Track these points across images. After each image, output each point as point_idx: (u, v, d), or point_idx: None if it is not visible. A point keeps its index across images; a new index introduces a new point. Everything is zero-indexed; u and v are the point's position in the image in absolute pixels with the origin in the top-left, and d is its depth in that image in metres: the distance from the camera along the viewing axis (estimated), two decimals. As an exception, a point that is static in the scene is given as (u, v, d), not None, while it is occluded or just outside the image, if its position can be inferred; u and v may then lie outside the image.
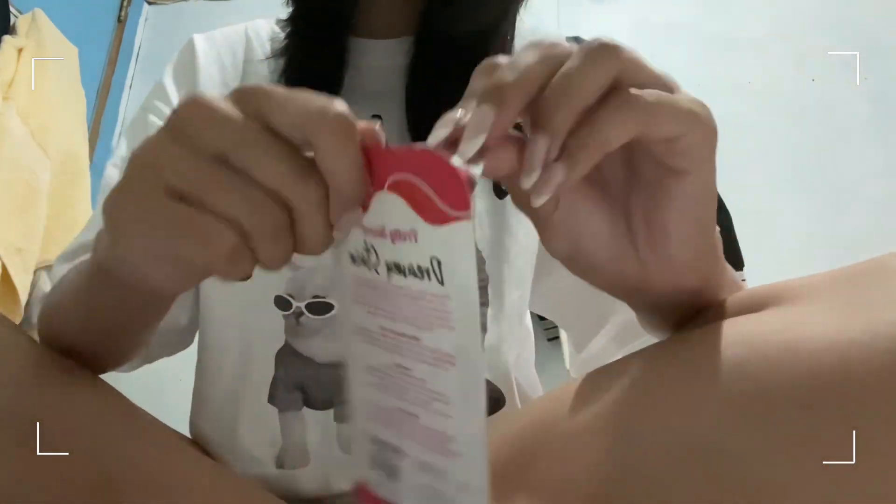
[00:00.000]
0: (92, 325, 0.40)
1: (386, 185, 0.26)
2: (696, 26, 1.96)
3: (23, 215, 1.45)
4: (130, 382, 0.57)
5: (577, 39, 2.16)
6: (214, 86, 0.62)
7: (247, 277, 0.27)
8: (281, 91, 0.26)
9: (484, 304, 0.56)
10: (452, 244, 0.24)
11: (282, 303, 0.55)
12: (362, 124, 0.26)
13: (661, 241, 0.31)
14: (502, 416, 0.56)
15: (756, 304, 0.33)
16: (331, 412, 0.55)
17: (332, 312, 0.54)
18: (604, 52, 0.26)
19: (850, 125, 1.80)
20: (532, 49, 0.27)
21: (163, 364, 0.66)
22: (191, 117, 0.26)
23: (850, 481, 0.26)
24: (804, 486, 0.26)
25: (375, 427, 0.30)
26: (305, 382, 0.56)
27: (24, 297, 1.42)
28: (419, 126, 0.57)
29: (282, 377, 0.56)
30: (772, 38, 1.91)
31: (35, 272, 1.49)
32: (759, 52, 1.90)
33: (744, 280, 1.67)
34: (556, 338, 1.71)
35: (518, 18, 0.60)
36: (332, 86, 0.58)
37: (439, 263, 0.24)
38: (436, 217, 0.24)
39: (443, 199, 0.24)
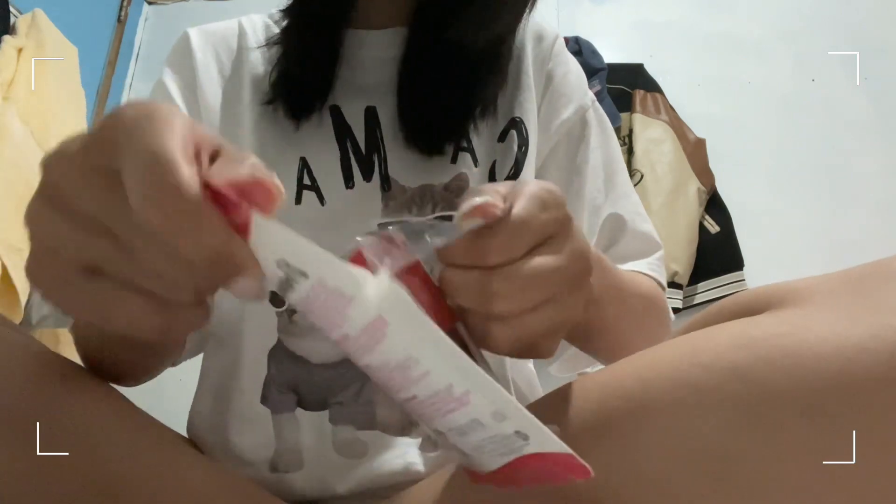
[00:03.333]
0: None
1: None
2: (696, 26, 1.95)
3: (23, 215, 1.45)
4: (130, 382, 0.56)
5: (576, 40, 2.12)
6: (212, 78, 0.62)
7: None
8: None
9: None
10: None
11: (275, 299, 0.53)
12: None
13: None
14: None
15: (758, 306, 0.33)
16: (325, 414, 0.53)
17: None
18: None
19: (850, 125, 1.79)
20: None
21: (162, 364, 0.65)
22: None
23: (852, 484, 0.26)
24: (807, 490, 0.26)
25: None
26: (299, 383, 0.54)
27: (23, 298, 1.42)
28: (412, 118, 0.56)
29: (274, 377, 0.54)
30: (772, 38, 1.90)
31: (35, 272, 1.49)
32: (759, 52, 1.90)
33: (743, 280, 1.67)
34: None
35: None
36: (326, 78, 0.58)
37: None
38: None
39: None
